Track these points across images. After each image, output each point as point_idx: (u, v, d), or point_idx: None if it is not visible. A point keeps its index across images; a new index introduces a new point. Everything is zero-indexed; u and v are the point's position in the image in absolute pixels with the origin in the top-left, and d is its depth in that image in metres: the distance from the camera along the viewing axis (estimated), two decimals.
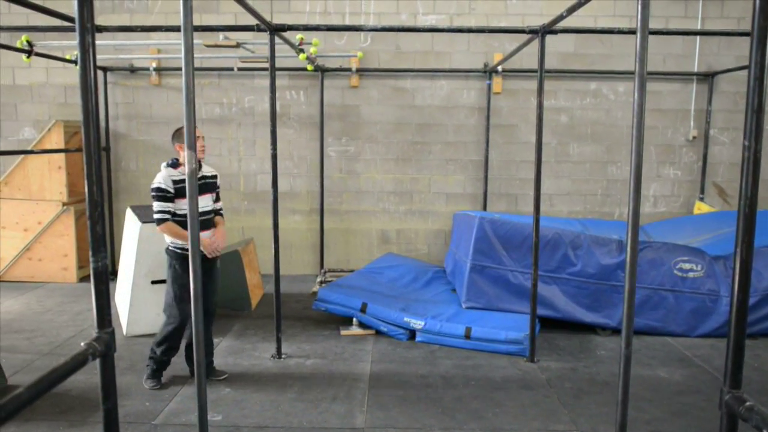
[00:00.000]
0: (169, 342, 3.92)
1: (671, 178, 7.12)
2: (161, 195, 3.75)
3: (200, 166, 3.91)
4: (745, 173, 1.56)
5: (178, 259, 3.84)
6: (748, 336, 2.21)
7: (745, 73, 1.66)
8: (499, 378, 4.17)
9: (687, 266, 5.02)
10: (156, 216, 3.76)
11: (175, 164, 3.85)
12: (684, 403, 3.82)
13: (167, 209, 3.75)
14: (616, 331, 5.00)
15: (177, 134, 3.86)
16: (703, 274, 5.01)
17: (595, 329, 5.09)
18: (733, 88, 6.94)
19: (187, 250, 3.80)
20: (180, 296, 3.83)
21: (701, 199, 6.99)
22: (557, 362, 4.47)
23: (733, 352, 1.64)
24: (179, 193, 3.75)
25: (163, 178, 3.77)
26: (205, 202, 3.91)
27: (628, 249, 2.35)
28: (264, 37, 4.34)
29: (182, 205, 3.75)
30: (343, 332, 5.03)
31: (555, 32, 4.23)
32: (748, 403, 1.54)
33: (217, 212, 4.08)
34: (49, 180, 6.59)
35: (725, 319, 4.87)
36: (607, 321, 5.02)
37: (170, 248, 3.88)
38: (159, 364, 3.98)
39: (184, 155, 3.81)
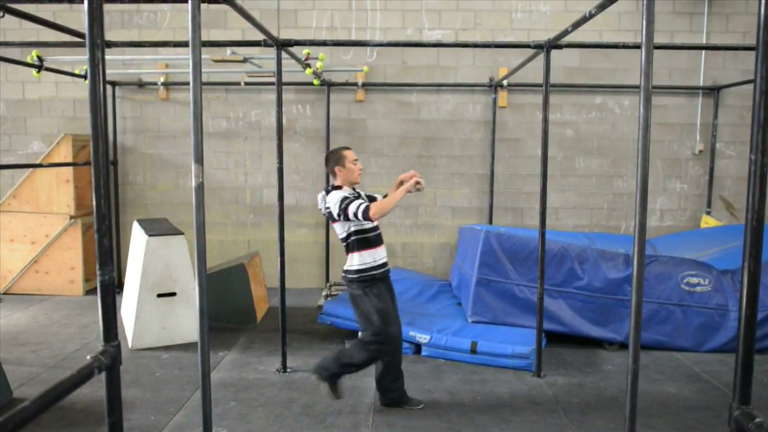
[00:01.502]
0: (393, 373, 3.81)
1: (678, 191, 7.10)
2: (350, 199, 3.54)
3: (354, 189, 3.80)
4: (752, 187, 1.56)
5: (369, 282, 3.67)
6: (757, 351, 2.19)
7: (750, 87, 1.66)
8: (505, 393, 4.14)
9: (694, 280, 4.98)
10: (360, 212, 3.45)
11: (337, 189, 3.68)
12: (693, 419, 3.78)
13: (362, 202, 3.51)
14: (623, 346, 4.96)
15: (333, 157, 3.72)
16: (711, 288, 4.97)
17: (603, 344, 5.05)
18: (739, 102, 6.93)
19: (373, 269, 3.66)
20: (386, 320, 3.65)
21: (708, 213, 6.96)
22: (564, 377, 4.44)
23: (742, 367, 1.62)
24: None
25: (341, 191, 3.63)
26: None
27: (635, 263, 2.34)
28: (271, 52, 4.39)
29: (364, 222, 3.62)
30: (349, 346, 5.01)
31: (560, 47, 4.25)
32: (757, 420, 1.53)
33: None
34: (56, 193, 6.63)
35: (734, 333, 4.82)
36: (614, 335, 4.98)
37: (358, 276, 3.67)
38: (398, 394, 3.84)
39: (341, 179, 3.70)
